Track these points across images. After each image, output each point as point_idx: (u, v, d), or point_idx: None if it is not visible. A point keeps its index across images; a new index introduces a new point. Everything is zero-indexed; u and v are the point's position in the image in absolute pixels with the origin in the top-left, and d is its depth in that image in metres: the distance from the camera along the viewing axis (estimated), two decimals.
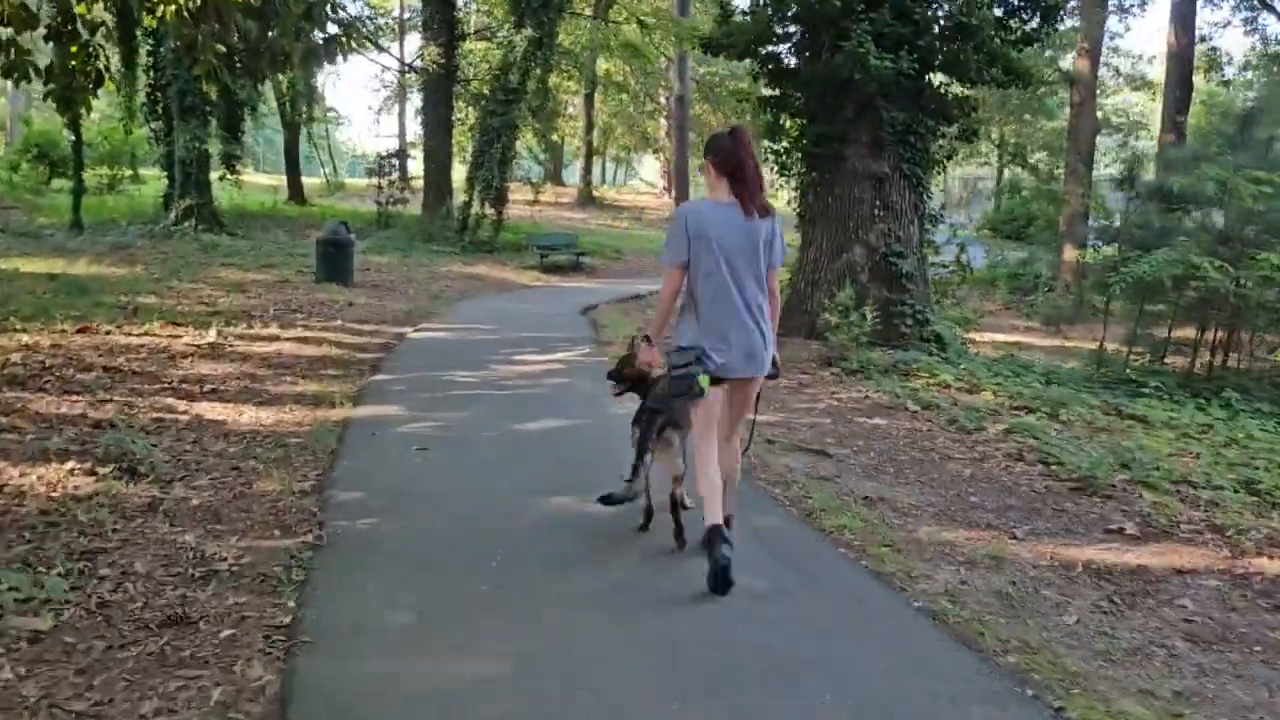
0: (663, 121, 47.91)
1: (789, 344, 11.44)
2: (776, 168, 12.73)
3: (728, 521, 4.60)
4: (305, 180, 37.96)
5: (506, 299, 18.88)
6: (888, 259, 11.48)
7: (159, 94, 24.94)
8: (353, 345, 11.57)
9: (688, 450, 4.91)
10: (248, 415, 7.56)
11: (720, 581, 4.33)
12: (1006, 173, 40.55)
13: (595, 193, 45.80)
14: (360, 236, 25.36)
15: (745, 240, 4.48)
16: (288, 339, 11.65)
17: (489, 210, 25.82)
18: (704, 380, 4.47)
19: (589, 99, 42.51)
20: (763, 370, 4.66)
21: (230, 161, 27.23)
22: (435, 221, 26.56)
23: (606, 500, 4.82)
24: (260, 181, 41.61)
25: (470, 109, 32.19)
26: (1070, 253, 24.06)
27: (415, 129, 47.00)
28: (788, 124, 12.50)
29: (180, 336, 11.17)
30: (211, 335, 11.07)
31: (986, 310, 22.37)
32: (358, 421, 7.44)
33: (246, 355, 10.30)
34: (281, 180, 36.29)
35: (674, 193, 39.36)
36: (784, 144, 12.43)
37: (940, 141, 12.16)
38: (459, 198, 26.99)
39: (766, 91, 12.67)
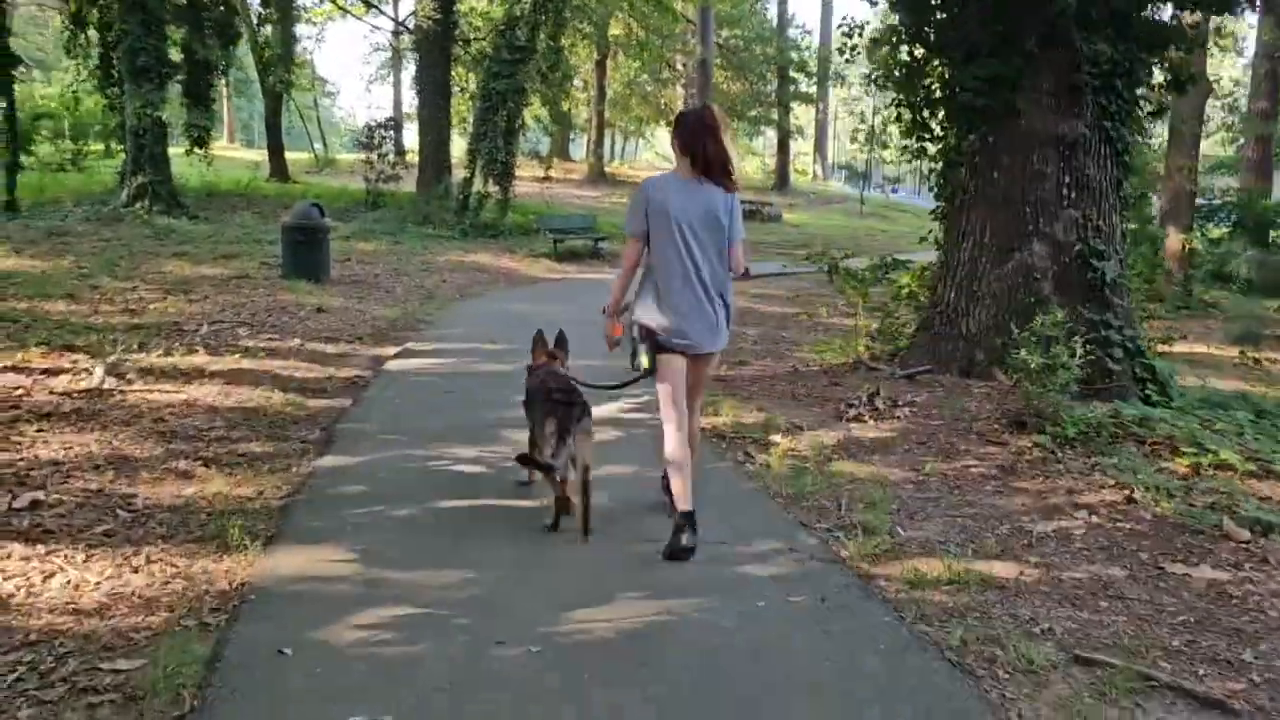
0: (679, 90, 44.13)
1: (935, 384, 7.92)
2: (909, 129, 9.02)
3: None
4: (291, 156, 34.42)
5: (518, 298, 15.34)
6: (1085, 260, 7.90)
7: (111, 55, 21.47)
8: (306, 385, 8.08)
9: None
10: (61, 581, 4.03)
11: (676, 554, 4.44)
12: None
13: (607, 168, 42.05)
14: (346, 219, 21.91)
15: (705, 215, 4.48)
16: (216, 373, 8.19)
17: (493, 188, 22.30)
18: (644, 358, 4.53)
19: (600, 65, 38.69)
20: (719, 345, 4.72)
21: (197, 133, 23.61)
22: (431, 201, 23.04)
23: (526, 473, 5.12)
24: (244, 157, 38.15)
25: (471, 74, 28.63)
26: (1175, 238, 20.46)
27: (411, 99, 43.61)
28: (932, 66, 8.78)
29: (59, 373, 7.72)
30: (97, 376, 7.56)
31: None
32: (262, 598, 3.89)
33: (138, 411, 6.81)
34: (266, 156, 32.62)
35: None
36: (921, 95, 8.75)
37: (1141, 90, 8.51)
38: (459, 174, 23.49)
39: (901, 19, 8.96)
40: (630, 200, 4.58)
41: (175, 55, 21.83)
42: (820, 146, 53.93)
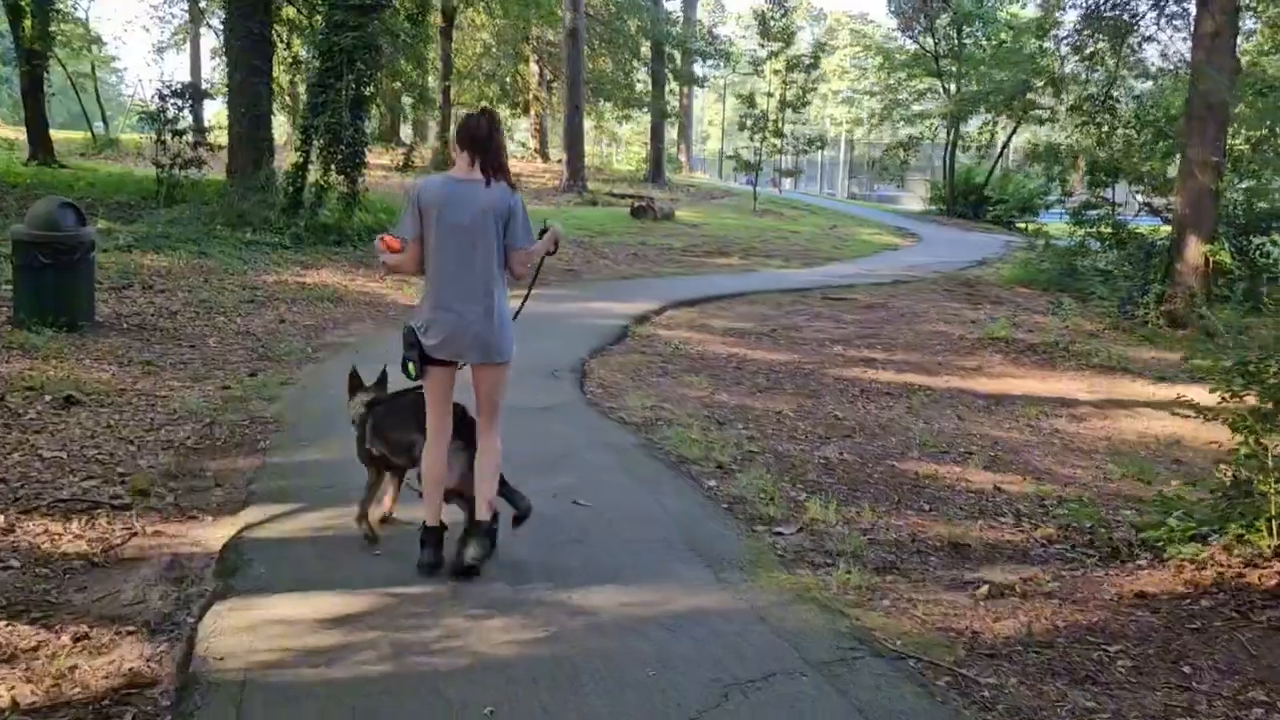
0: (534, 67, 38.77)
1: None
2: None
3: (494, 518, 4.37)
4: (62, 135, 27.50)
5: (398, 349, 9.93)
6: None
7: None
8: None
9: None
10: None
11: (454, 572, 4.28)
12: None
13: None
14: (129, 217, 15.72)
15: (480, 216, 4.23)
16: None
17: (336, 178, 16.56)
18: (411, 367, 4.30)
19: (446, 33, 32.84)
20: (500, 356, 4.35)
21: None
22: (249, 195, 17.01)
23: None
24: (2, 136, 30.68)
25: (296, 36, 22.70)
26: (1197, 248, 16.68)
27: (214, 67, 36.91)
28: None
29: None
30: None
31: (1085, 330, 14.86)
32: None
33: None
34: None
35: (567, 157, 30.50)
36: None
37: None
38: (286, 159, 17.69)
39: None
40: (402, 202, 4.53)
41: None
42: (685, 134, 49.41)
